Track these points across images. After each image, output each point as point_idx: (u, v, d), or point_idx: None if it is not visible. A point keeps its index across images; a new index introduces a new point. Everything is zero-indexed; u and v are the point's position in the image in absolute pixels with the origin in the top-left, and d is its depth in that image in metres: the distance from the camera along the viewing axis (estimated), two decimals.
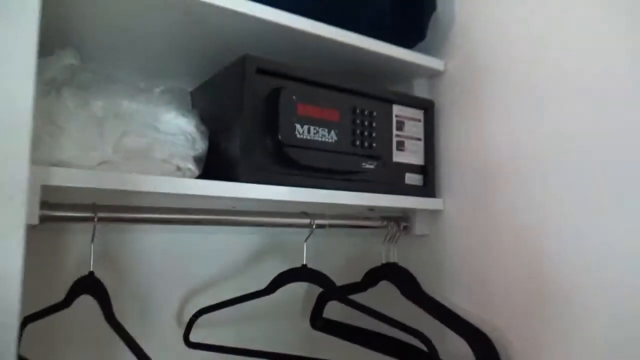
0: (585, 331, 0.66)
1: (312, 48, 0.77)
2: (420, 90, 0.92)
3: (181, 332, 0.85)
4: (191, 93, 0.83)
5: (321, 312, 0.95)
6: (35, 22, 0.49)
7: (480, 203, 0.82)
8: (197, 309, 0.84)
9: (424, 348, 0.72)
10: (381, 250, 0.88)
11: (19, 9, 0.48)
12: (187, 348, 0.84)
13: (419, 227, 0.90)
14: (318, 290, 0.87)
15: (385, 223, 0.88)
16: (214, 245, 0.95)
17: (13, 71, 0.48)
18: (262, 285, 0.83)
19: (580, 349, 0.67)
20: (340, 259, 1.01)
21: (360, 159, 0.77)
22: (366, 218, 0.89)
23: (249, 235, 0.99)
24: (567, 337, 0.68)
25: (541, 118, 0.74)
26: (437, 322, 0.80)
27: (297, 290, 0.98)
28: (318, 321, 0.95)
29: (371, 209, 0.88)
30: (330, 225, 0.82)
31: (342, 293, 0.84)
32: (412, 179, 0.85)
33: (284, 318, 1.01)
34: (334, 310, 0.93)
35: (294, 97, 0.70)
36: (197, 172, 0.70)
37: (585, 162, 0.67)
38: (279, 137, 0.68)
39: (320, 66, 0.82)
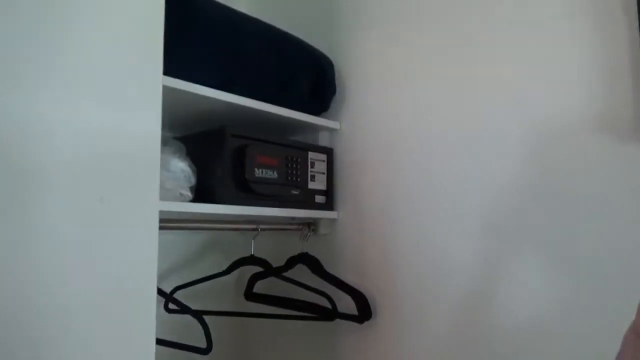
0: (425, 286, 1.21)
1: (262, 117, 1.22)
2: (324, 141, 1.42)
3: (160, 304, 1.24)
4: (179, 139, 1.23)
5: (252, 288, 1.40)
6: None
7: (360, 214, 1.34)
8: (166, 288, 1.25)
9: (328, 306, 1.21)
10: (298, 245, 1.36)
11: None
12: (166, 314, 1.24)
13: (322, 229, 1.39)
14: (249, 275, 1.33)
15: (301, 227, 1.37)
16: (173, 241, 1.36)
17: None
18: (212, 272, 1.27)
19: (420, 299, 1.21)
20: (272, 251, 1.45)
21: (290, 188, 1.24)
22: (290, 224, 1.36)
23: (195, 235, 1.41)
24: (413, 291, 1.22)
25: (399, 163, 1.27)
26: (334, 288, 1.29)
27: (235, 275, 1.42)
28: (250, 295, 1.41)
29: (293, 218, 1.35)
30: (269, 229, 1.28)
31: (275, 272, 1.30)
32: (319, 199, 1.34)
33: (226, 294, 1.45)
34: (261, 288, 1.39)
35: (254, 151, 1.15)
36: (191, 197, 1.11)
37: (434, 190, 1.22)
38: (246, 176, 1.13)
39: (265, 127, 1.28)
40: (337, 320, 1.27)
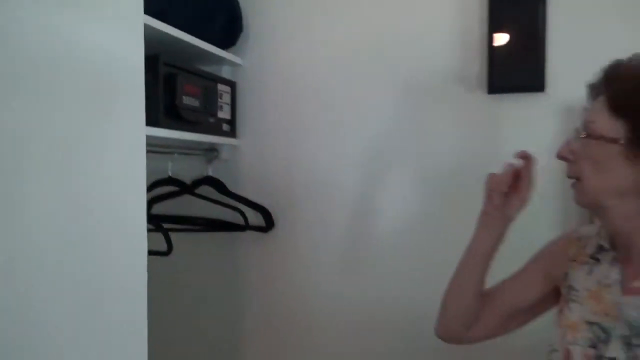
0: (318, 201, 1.48)
1: (184, 47, 1.30)
2: (227, 74, 1.55)
3: None
4: None
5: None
6: None
7: (259, 142, 1.54)
8: None
9: (240, 222, 1.42)
10: (205, 168, 1.51)
11: None
12: None
13: (225, 155, 1.56)
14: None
15: (210, 152, 1.51)
16: None
17: None
18: None
19: (313, 212, 1.49)
20: (186, 174, 1.53)
21: (207, 116, 1.37)
22: (197, 149, 1.49)
23: None
24: (307, 205, 1.49)
25: (296, 97, 1.49)
26: (241, 205, 1.49)
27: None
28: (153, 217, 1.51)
29: (200, 143, 1.48)
30: (187, 153, 1.41)
31: (188, 191, 1.44)
32: (225, 127, 1.50)
33: None
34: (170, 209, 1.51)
35: (183, 80, 1.24)
36: None
37: (325, 120, 1.47)
38: (176, 102, 1.22)
39: (184, 58, 1.35)
40: (239, 233, 1.49)
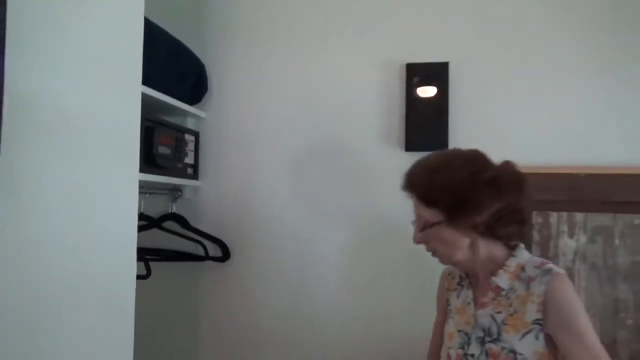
0: (267, 235, 1.75)
1: (160, 105, 1.56)
2: (191, 125, 1.81)
3: None
4: None
5: None
6: None
7: (218, 183, 1.79)
8: None
9: (200, 253, 1.66)
10: (170, 205, 1.74)
11: None
12: None
13: (187, 194, 1.80)
14: None
15: (174, 191, 1.74)
16: None
17: None
18: None
19: (264, 243, 1.75)
20: (153, 210, 1.76)
21: (176, 162, 1.62)
22: (164, 189, 1.72)
23: None
24: (259, 239, 1.75)
25: (250, 148, 1.77)
26: (201, 238, 1.73)
27: None
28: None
29: (167, 184, 1.72)
30: (154, 193, 1.63)
31: (156, 225, 1.66)
32: (189, 170, 1.75)
33: None
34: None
35: (159, 133, 1.49)
36: None
37: (273, 166, 1.76)
38: (153, 151, 1.47)
39: (158, 111, 1.60)
40: (199, 263, 1.72)
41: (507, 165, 1.09)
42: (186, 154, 1.71)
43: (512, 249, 1.10)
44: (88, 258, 1.01)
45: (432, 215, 1.07)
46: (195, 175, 1.78)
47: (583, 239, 1.52)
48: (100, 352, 1.04)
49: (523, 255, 1.09)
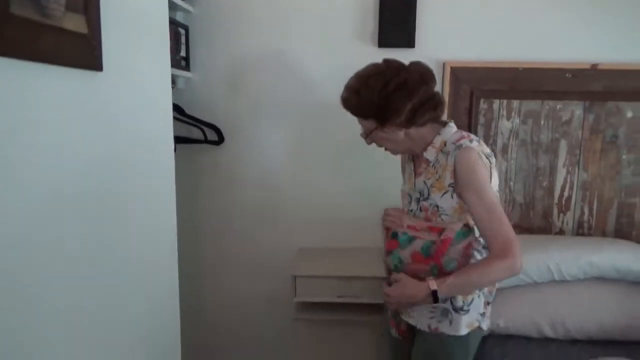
0: (257, 123, 1.99)
1: None
2: (181, 19, 1.93)
3: None
4: None
5: None
6: None
7: (210, 75, 1.98)
8: None
9: (200, 137, 1.89)
10: None
11: None
12: None
13: (180, 85, 1.97)
14: None
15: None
16: None
17: None
18: None
19: (253, 130, 2.00)
20: None
21: (174, 54, 1.78)
22: None
23: None
24: (249, 124, 2.00)
25: (240, 39, 1.95)
26: (197, 124, 1.94)
27: None
28: None
29: None
30: None
31: None
32: (182, 63, 1.90)
33: None
34: None
35: None
36: None
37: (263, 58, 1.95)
38: None
39: None
40: (198, 145, 1.96)
41: (413, 66, 1.34)
42: (179, 47, 1.87)
43: (443, 126, 1.37)
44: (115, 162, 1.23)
45: (369, 124, 1.36)
46: (187, 67, 1.94)
47: (517, 121, 1.91)
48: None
49: (447, 132, 1.34)
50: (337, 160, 2.01)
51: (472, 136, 1.32)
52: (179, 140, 1.95)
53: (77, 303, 0.99)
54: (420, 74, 1.32)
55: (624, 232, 1.92)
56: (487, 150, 1.32)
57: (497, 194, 1.31)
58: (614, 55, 1.86)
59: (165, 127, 1.44)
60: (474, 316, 1.33)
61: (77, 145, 0.98)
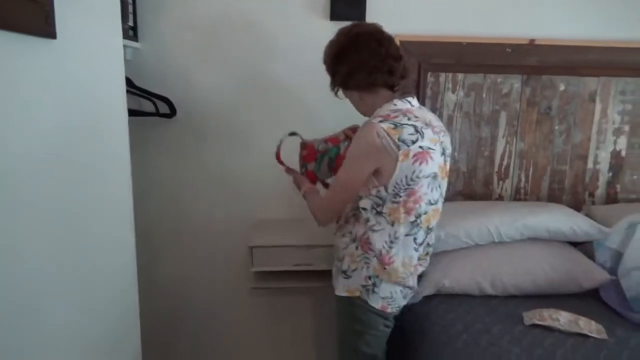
0: (206, 97, 1.98)
1: None
2: None
3: None
4: None
5: None
6: None
7: (160, 46, 1.94)
8: None
9: (152, 110, 1.86)
10: None
11: None
12: None
13: (128, 56, 1.92)
14: None
15: None
16: None
17: None
18: None
19: (201, 104, 1.99)
20: None
21: (122, 23, 1.73)
22: None
23: None
24: (200, 98, 1.98)
25: (189, 9, 1.91)
26: (148, 96, 1.91)
27: None
28: None
29: None
30: None
31: None
32: (130, 33, 1.86)
33: None
34: None
35: None
36: None
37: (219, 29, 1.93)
38: None
39: None
40: (150, 118, 1.93)
41: (369, 25, 1.46)
42: (127, 16, 1.81)
43: (400, 100, 1.43)
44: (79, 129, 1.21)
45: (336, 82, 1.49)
46: (135, 37, 1.90)
47: (461, 94, 2.01)
48: None
49: (386, 108, 1.40)
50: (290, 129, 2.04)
51: (401, 118, 1.34)
52: (130, 113, 1.91)
53: (33, 274, 0.98)
54: (373, 34, 1.42)
55: (556, 196, 2.09)
56: (405, 135, 1.32)
57: (428, 178, 1.37)
58: (550, 32, 1.99)
59: (118, 96, 1.42)
60: (355, 284, 1.46)
61: (30, 114, 0.96)
